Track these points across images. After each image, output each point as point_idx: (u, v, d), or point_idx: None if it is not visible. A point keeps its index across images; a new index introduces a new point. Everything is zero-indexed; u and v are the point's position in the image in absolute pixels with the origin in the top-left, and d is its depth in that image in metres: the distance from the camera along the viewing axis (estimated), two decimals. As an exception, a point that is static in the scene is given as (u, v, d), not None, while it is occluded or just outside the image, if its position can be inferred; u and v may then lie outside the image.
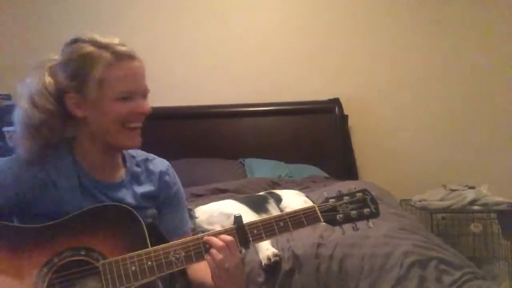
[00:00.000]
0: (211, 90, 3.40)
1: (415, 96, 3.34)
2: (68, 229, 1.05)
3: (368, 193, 1.15)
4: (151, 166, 1.27)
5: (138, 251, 1.03)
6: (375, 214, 1.13)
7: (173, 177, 1.30)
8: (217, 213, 1.75)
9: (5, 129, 2.59)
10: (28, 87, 1.13)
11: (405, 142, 3.35)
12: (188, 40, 3.44)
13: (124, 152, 1.25)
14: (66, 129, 1.16)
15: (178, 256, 1.04)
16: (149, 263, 1.02)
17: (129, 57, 1.12)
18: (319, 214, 1.11)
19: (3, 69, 3.33)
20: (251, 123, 3.34)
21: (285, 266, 1.40)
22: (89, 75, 1.09)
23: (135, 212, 1.08)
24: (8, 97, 3.20)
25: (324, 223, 1.13)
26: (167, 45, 3.43)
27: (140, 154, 1.29)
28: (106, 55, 1.10)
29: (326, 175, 2.99)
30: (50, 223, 1.05)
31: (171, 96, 3.36)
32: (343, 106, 3.26)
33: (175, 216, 1.28)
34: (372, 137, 3.35)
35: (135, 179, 1.23)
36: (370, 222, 1.13)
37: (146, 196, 1.22)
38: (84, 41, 1.12)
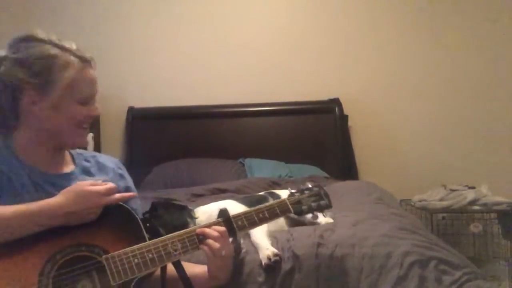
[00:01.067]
0: (211, 90, 3.40)
1: (415, 96, 3.35)
2: (67, 226, 1.06)
3: (321, 188, 1.36)
4: (100, 160, 1.30)
5: (138, 245, 1.09)
6: (328, 206, 1.34)
7: (125, 170, 1.35)
8: (217, 213, 1.75)
9: None
10: None
11: (405, 142, 3.35)
12: (188, 40, 3.44)
13: (72, 151, 1.28)
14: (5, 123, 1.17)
15: (175, 247, 1.12)
16: (150, 255, 1.08)
17: (91, 64, 1.19)
18: (290, 206, 1.28)
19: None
20: (251, 123, 3.34)
21: (285, 266, 1.40)
22: (57, 76, 1.12)
23: (129, 208, 1.14)
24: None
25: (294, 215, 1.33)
26: (167, 46, 3.44)
27: (87, 152, 1.34)
28: (75, 60, 1.15)
29: (326, 175, 2.99)
30: None
31: (171, 96, 3.37)
32: (343, 106, 3.26)
33: (135, 205, 1.29)
34: (372, 137, 3.35)
35: (86, 172, 1.25)
36: (325, 212, 1.37)
37: None
38: (42, 40, 1.14)
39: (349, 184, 2.61)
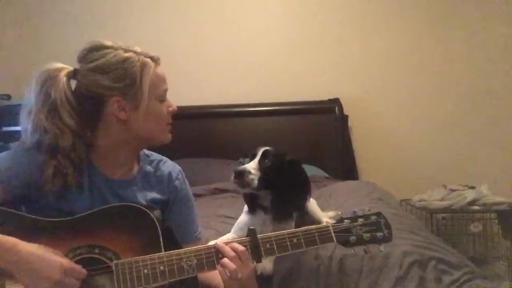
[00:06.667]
0: (212, 90, 3.40)
1: (415, 96, 3.34)
2: (85, 226, 1.07)
3: (382, 217, 1.17)
4: (162, 167, 1.29)
5: (152, 255, 1.05)
6: (387, 239, 1.15)
7: (183, 182, 1.33)
8: None
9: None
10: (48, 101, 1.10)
11: (405, 142, 3.35)
12: (188, 40, 3.44)
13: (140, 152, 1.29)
14: (87, 137, 1.15)
15: (190, 263, 1.05)
16: (161, 267, 1.03)
17: (159, 62, 1.22)
18: (333, 234, 1.14)
19: (3, 69, 3.33)
20: (251, 123, 3.34)
21: (285, 266, 1.40)
22: (138, 78, 1.13)
23: (152, 215, 1.10)
24: (8, 97, 3.21)
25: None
26: (167, 45, 3.43)
27: (155, 155, 1.33)
28: (148, 60, 1.17)
29: (326, 175, 2.99)
30: (68, 218, 1.07)
31: (171, 97, 3.35)
32: (343, 106, 3.26)
33: (182, 214, 1.30)
34: (372, 137, 3.35)
35: (146, 180, 1.25)
36: (382, 246, 1.14)
37: (154, 201, 1.24)
38: (111, 47, 1.15)
39: (349, 184, 2.61)
